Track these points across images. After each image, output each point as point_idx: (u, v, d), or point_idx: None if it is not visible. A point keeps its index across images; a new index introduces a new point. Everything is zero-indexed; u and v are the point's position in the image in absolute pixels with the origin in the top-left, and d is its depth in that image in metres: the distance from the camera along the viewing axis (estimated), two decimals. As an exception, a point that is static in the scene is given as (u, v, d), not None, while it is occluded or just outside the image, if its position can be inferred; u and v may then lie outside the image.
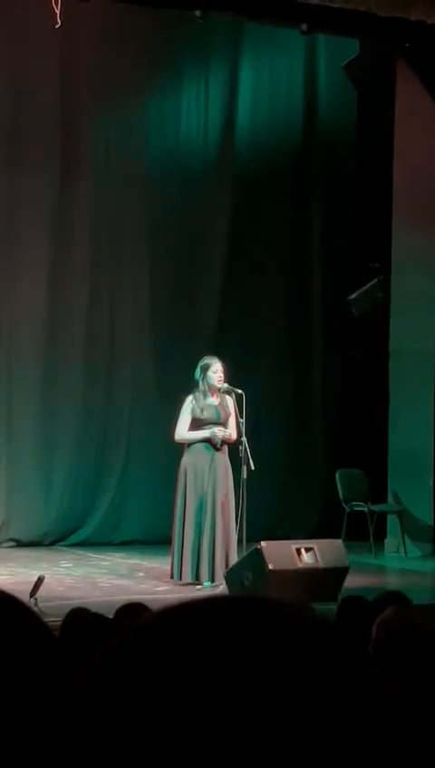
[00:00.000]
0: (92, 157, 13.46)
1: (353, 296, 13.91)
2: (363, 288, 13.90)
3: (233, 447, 10.55)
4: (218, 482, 10.42)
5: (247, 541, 10.19)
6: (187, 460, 10.52)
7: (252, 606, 0.87)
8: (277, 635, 0.84)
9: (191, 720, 0.81)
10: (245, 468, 10.29)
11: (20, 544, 12.84)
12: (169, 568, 10.62)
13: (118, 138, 13.60)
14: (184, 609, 0.88)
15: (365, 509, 13.23)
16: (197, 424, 10.50)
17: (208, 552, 10.35)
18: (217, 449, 10.47)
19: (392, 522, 13.48)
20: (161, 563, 11.19)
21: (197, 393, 10.56)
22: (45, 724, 0.96)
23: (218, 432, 10.44)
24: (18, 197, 13.03)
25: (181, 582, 10.34)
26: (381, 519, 13.45)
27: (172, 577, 10.48)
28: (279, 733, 0.80)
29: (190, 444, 10.53)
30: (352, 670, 0.84)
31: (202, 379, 10.56)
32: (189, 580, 10.32)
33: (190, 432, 10.51)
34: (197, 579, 10.33)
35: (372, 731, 0.82)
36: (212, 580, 10.29)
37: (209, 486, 10.40)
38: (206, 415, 10.48)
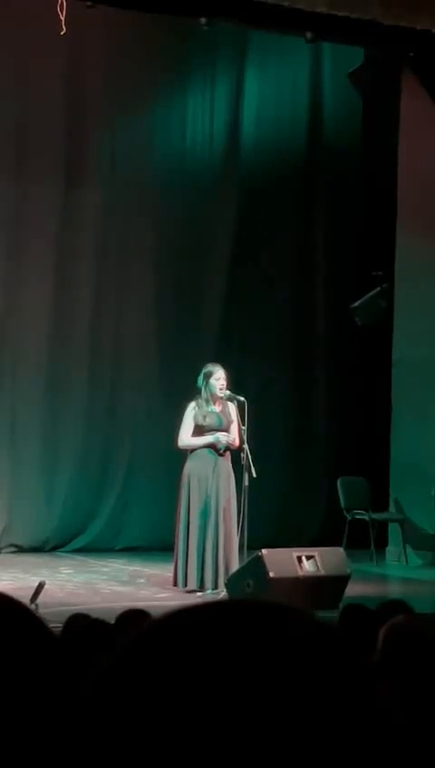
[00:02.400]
0: (98, 164, 13.47)
1: (356, 304, 13.91)
2: (366, 296, 13.90)
3: (235, 454, 10.56)
4: (221, 487, 10.42)
5: (249, 548, 10.18)
6: (190, 466, 10.52)
7: (256, 610, 0.87)
8: (282, 639, 0.84)
9: (196, 723, 0.81)
10: (246, 475, 10.29)
11: (21, 550, 12.84)
12: (171, 575, 10.61)
13: (123, 145, 13.60)
14: (188, 614, 0.87)
15: (367, 517, 13.22)
16: (199, 431, 10.51)
17: (212, 559, 10.34)
18: (221, 454, 10.47)
19: (394, 530, 13.47)
20: (162, 570, 11.18)
21: (199, 400, 10.57)
22: (47, 727, 0.96)
23: (222, 437, 10.44)
24: (23, 206, 13.03)
25: (186, 589, 10.33)
26: (382, 527, 13.45)
27: (175, 584, 10.47)
28: (285, 736, 0.80)
29: (193, 450, 10.54)
30: (357, 675, 0.84)
31: (204, 387, 10.57)
32: (195, 587, 10.32)
33: (194, 438, 10.51)
34: (201, 585, 10.32)
35: (374, 734, 0.82)
36: (215, 586, 10.28)
37: (213, 492, 10.40)
38: (208, 422, 10.48)
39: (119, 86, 13.37)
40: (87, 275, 13.37)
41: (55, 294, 13.21)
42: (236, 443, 10.50)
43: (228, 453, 10.55)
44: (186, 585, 10.36)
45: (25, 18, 12.37)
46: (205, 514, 10.40)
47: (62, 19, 10.65)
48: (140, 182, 13.56)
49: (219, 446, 10.46)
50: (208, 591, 10.26)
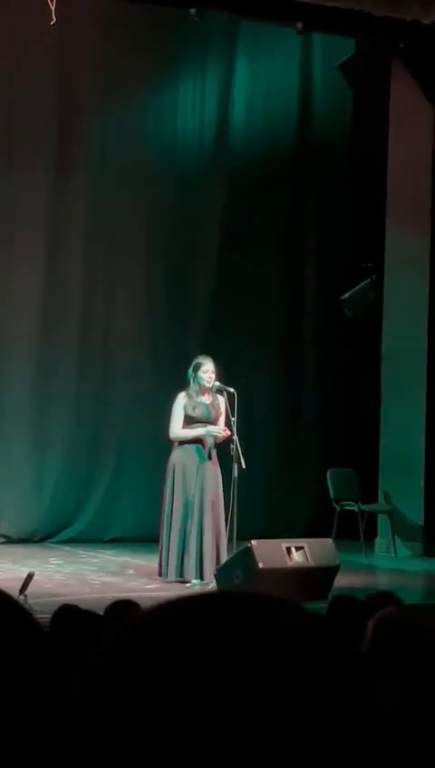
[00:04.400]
0: (89, 154, 13.45)
1: (346, 296, 13.91)
2: (356, 288, 13.90)
3: (224, 446, 10.56)
4: (207, 481, 10.43)
5: (238, 539, 10.19)
6: (175, 457, 10.53)
7: (244, 602, 0.86)
8: (271, 630, 0.84)
9: (192, 718, 0.80)
10: (236, 467, 10.29)
11: (10, 541, 12.83)
12: (157, 565, 10.62)
13: (114, 135, 13.59)
14: (176, 607, 0.87)
15: (356, 508, 13.23)
16: (188, 421, 10.52)
17: (196, 550, 10.34)
18: (209, 457, 10.48)
19: (383, 521, 13.49)
20: (151, 561, 11.18)
21: (189, 391, 10.58)
22: (37, 719, 0.96)
23: (213, 430, 10.43)
24: (14, 194, 13.01)
25: (167, 580, 10.35)
26: (371, 518, 13.46)
27: (160, 574, 10.49)
28: (281, 729, 0.80)
29: (181, 442, 10.55)
30: (346, 666, 0.84)
31: (193, 378, 10.58)
32: (174, 578, 10.33)
33: (186, 430, 10.52)
34: (181, 576, 10.34)
35: (371, 726, 0.81)
36: (201, 578, 10.29)
37: (197, 486, 10.41)
38: (197, 413, 10.49)
39: (109, 76, 13.36)
40: (76, 264, 13.36)
41: (45, 282, 13.19)
42: (227, 433, 10.49)
43: (215, 454, 10.55)
44: (167, 576, 10.38)
45: (16, 7, 12.35)
46: (187, 508, 10.41)
47: (53, 9, 10.62)
48: (131, 173, 13.54)
49: (209, 443, 10.46)
50: (196, 582, 10.28)
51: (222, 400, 10.59)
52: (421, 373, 13.31)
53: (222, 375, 10.73)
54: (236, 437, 10.37)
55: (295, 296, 14.59)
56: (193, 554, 10.34)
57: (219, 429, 10.46)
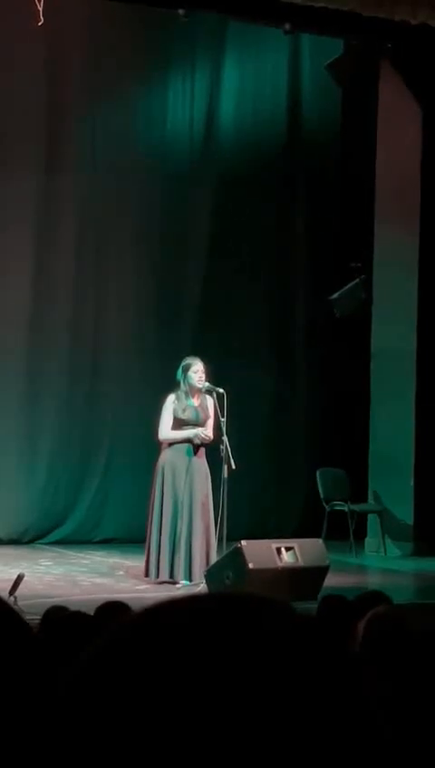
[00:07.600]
0: (78, 155, 13.45)
1: (335, 296, 13.91)
2: (345, 288, 13.90)
3: (214, 447, 10.55)
4: (196, 483, 10.42)
5: (228, 540, 10.18)
6: (165, 458, 10.53)
7: (237, 602, 0.86)
8: (259, 632, 0.83)
9: (184, 720, 0.80)
10: (226, 467, 10.29)
11: (0, 542, 12.81)
12: (143, 565, 10.59)
13: (103, 135, 13.59)
14: (169, 607, 0.87)
15: (346, 508, 13.24)
16: (177, 423, 10.52)
17: (186, 551, 10.34)
18: (195, 453, 10.47)
19: (373, 521, 13.50)
20: (142, 562, 11.17)
21: (179, 393, 10.58)
22: (25, 721, 0.95)
23: (202, 433, 10.43)
24: (2, 195, 12.99)
25: (158, 580, 10.34)
26: (361, 518, 13.48)
27: (147, 575, 10.47)
28: (274, 732, 0.79)
29: (171, 442, 10.55)
30: (336, 666, 0.84)
31: (183, 380, 10.57)
32: (166, 578, 10.32)
33: (174, 432, 10.52)
34: (172, 576, 10.33)
35: (366, 726, 0.81)
36: (189, 579, 10.29)
37: (186, 488, 10.40)
38: (186, 416, 10.49)
39: (98, 76, 13.36)
40: (65, 264, 13.35)
41: (35, 281, 13.18)
42: (211, 438, 10.49)
43: (203, 451, 10.54)
44: (158, 576, 10.37)
45: (3, 7, 12.32)
46: (176, 509, 10.40)
47: (40, 9, 10.62)
48: (120, 174, 13.54)
49: (196, 441, 10.46)
50: (186, 583, 10.27)
51: (211, 402, 10.58)
52: (411, 373, 13.32)
53: (211, 375, 10.73)
54: (225, 438, 10.37)
55: (285, 296, 14.60)
56: (183, 555, 10.34)
57: (206, 433, 10.45)
